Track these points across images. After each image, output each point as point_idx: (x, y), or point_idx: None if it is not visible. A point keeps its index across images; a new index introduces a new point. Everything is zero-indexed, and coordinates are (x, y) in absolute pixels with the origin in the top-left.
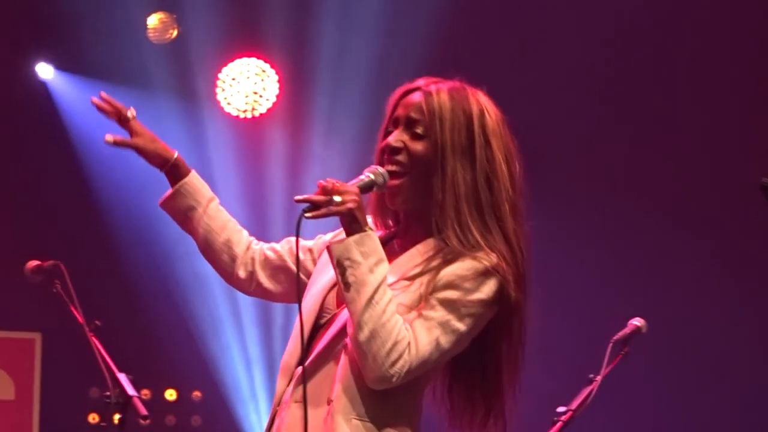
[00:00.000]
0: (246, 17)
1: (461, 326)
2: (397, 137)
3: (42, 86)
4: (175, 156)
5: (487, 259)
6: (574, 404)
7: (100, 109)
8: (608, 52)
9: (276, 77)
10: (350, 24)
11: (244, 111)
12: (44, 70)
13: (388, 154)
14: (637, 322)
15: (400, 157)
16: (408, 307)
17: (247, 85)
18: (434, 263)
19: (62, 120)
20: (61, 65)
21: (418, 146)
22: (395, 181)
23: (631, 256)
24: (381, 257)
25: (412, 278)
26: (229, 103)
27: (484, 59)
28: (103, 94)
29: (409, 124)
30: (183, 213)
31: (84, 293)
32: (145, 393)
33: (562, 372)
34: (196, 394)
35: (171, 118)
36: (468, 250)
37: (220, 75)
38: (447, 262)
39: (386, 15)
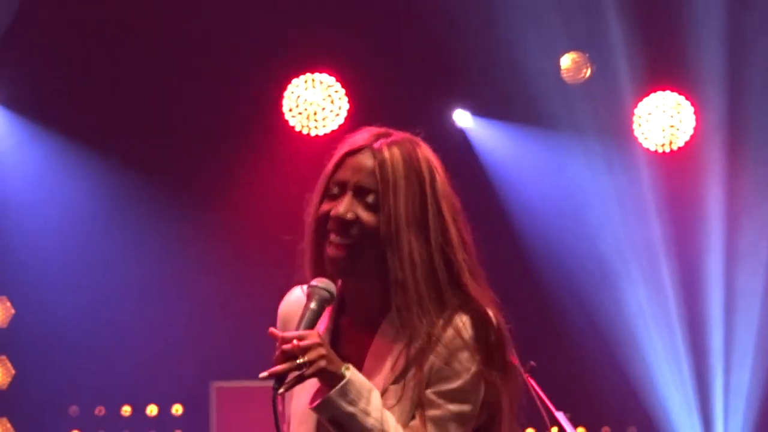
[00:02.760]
0: (658, 51)
1: (471, 408)
2: (348, 208)
3: (460, 134)
4: None
5: (464, 328)
6: None
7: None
8: None
9: (692, 109)
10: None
11: (662, 145)
12: (462, 118)
13: (338, 225)
14: None
15: (353, 230)
16: (409, 413)
17: (664, 119)
18: (412, 355)
19: (483, 167)
20: (477, 111)
21: (370, 219)
22: (343, 256)
23: None
24: (368, 390)
25: (397, 380)
26: (646, 138)
27: None
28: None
29: (359, 193)
30: None
31: (516, 335)
32: (581, 431)
33: None
34: (632, 430)
35: (586, 157)
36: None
37: (635, 110)
38: (422, 351)
39: None
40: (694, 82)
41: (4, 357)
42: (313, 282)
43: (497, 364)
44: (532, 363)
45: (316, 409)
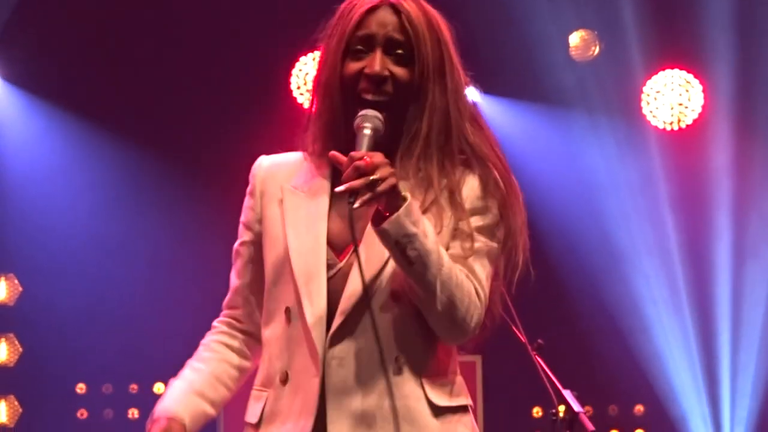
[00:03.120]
0: (666, 29)
1: (499, 245)
2: (381, 64)
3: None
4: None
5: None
6: None
7: None
8: None
9: (701, 87)
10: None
11: (671, 123)
12: (471, 95)
13: (373, 83)
14: None
15: (387, 87)
16: (446, 244)
17: (672, 97)
18: (438, 198)
19: None
20: (486, 89)
21: (403, 73)
22: (384, 115)
23: None
24: (423, 218)
25: (426, 210)
26: (654, 116)
27: None
28: None
29: (389, 47)
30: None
31: (523, 313)
32: (588, 409)
33: None
34: (639, 408)
35: (595, 135)
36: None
37: (644, 88)
38: (451, 185)
39: None
40: (702, 60)
41: (11, 335)
42: (362, 112)
43: (515, 211)
44: (540, 341)
45: (387, 229)
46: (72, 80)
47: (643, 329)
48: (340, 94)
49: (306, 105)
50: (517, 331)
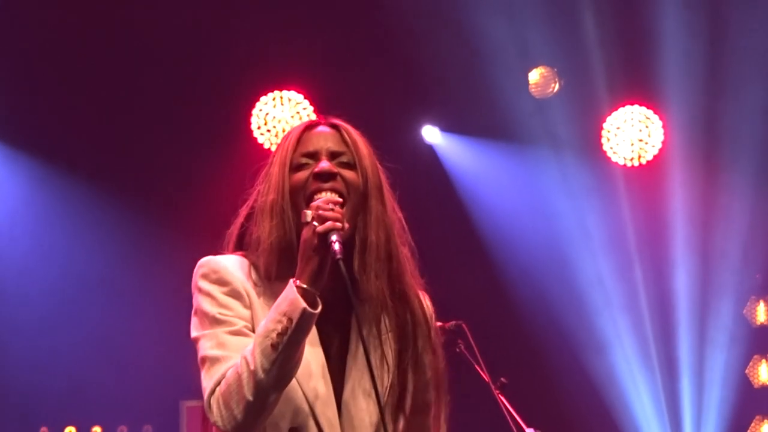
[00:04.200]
0: (626, 66)
1: None
2: (330, 163)
3: (429, 149)
4: None
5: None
6: None
7: None
8: None
9: (660, 123)
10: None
11: (631, 159)
12: (431, 134)
13: (323, 179)
14: None
15: (338, 185)
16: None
17: (633, 133)
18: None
19: (451, 181)
20: (446, 127)
21: (350, 174)
22: (340, 203)
23: None
24: None
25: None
26: (615, 152)
27: None
28: None
29: (333, 156)
30: None
31: (487, 351)
32: None
33: None
34: None
35: (555, 171)
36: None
37: (604, 125)
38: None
39: None
40: (662, 96)
41: None
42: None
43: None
44: (503, 379)
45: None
46: (31, 122)
47: (607, 366)
48: (291, 208)
49: (267, 145)
50: (480, 370)
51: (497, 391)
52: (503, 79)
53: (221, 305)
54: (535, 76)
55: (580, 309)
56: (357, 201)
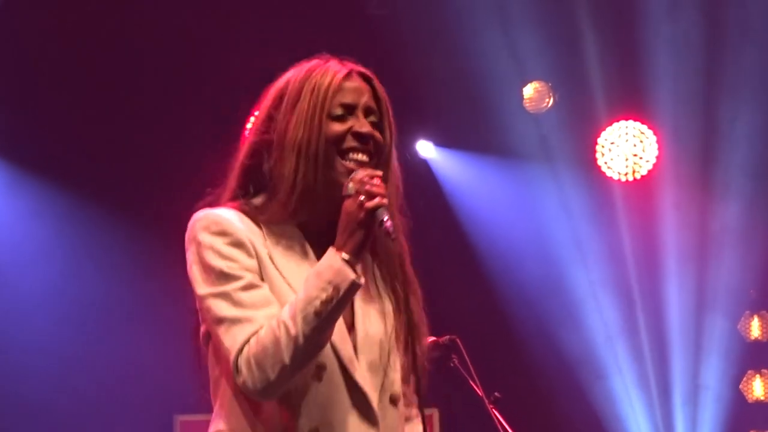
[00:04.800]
0: (620, 81)
1: None
2: (366, 125)
3: (424, 164)
4: None
5: None
6: None
7: None
8: None
9: (654, 138)
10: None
11: (625, 174)
12: (425, 148)
13: (361, 142)
14: None
15: (369, 147)
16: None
17: (627, 148)
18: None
19: (445, 197)
20: (440, 141)
21: (380, 137)
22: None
23: None
24: None
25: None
26: (609, 167)
27: None
28: None
29: (367, 113)
30: None
31: (481, 366)
32: None
33: None
34: None
35: (550, 185)
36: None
37: (599, 140)
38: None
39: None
40: (656, 111)
41: None
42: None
43: None
44: (497, 394)
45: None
46: (19, 130)
47: (601, 382)
48: (323, 154)
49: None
50: (474, 385)
51: (491, 406)
52: (498, 94)
53: (226, 257)
54: (529, 90)
55: (574, 324)
56: (379, 160)
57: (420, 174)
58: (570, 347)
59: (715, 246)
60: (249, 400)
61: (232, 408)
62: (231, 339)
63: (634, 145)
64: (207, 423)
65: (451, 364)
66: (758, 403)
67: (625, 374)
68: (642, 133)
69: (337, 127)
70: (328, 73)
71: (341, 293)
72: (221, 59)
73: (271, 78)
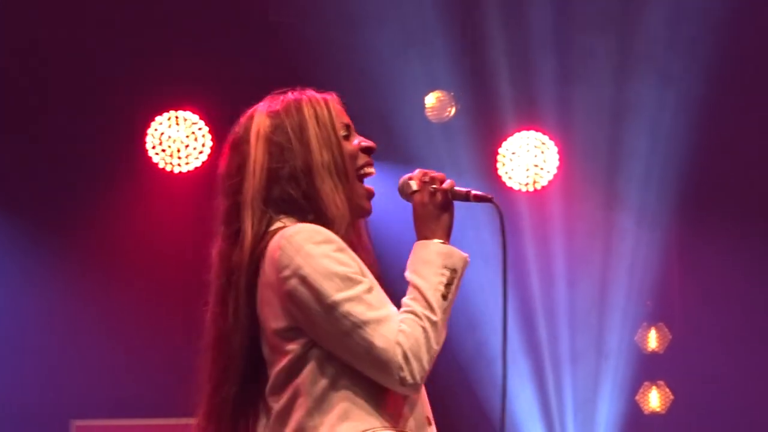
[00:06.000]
0: (522, 91)
1: None
2: (365, 139)
3: None
4: None
5: None
6: None
7: None
8: None
9: (556, 149)
10: (629, 92)
11: (526, 184)
12: None
13: (369, 155)
14: None
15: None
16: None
17: (528, 159)
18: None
19: None
20: None
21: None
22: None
23: None
24: None
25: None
26: (510, 177)
27: None
28: None
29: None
30: None
31: None
32: None
33: None
34: None
35: None
36: None
37: (500, 150)
38: None
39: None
40: (557, 121)
41: None
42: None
43: None
44: None
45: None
46: None
47: (492, 382)
48: (350, 170)
49: (162, 165)
50: None
51: None
52: (400, 103)
53: (342, 263)
54: (431, 99)
55: (474, 331)
56: None
57: None
58: (466, 351)
59: (613, 257)
60: (372, 399)
61: (352, 412)
62: (383, 339)
63: (535, 156)
64: (104, 428)
65: None
66: (654, 415)
67: (524, 387)
68: (543, 143)
69: (350, 146)
70: (326, 98)
71: (459, 272)
72: (120, 63)
73: (174, 83)
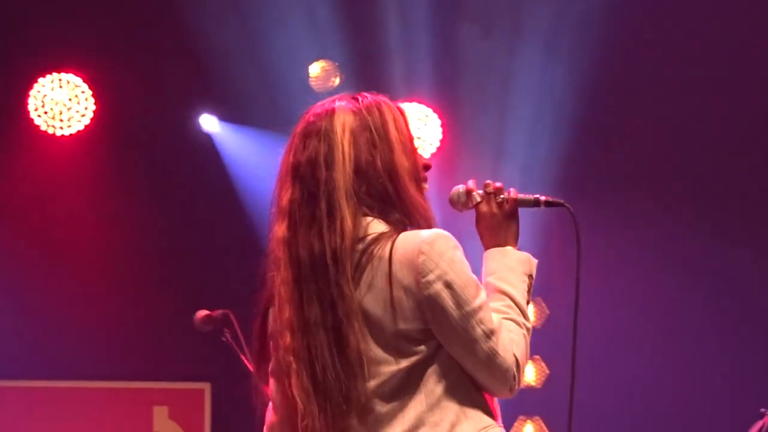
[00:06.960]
0: (407, 63)
1: None
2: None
3: (207, 138)
4: None
5: None
6: None
7: None
8: None
9: (439, 122)
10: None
11: None
12: (209, 122)
13: (427, 172)
14: None
15: None
16: None
17: (417, 129)
18: None
19: (227, 171)
20: (224, 116)
21: None
22: None
23: None
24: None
25: None
26: None
27: None
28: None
29: None
30: None
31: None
32: None
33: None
34: None
35: None
36: None
37: None
38: None
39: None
40: (440, 94)
41: None
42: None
43: None
44: None
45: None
46: None
47: None
48: (420, 181)
49: (44, 127)
50: (244, 359)
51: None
52: (285, 71)
53: (470, 270)
54: (316, 69)
55: None
56: None
57: (203, 148)
58: None
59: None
60: (481, 399)
61: (469, 411)
62: (504, 349)
63: (418, 128)
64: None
65: (224, 339)
66: (530, 390)
67: None
68: (427, 116)
69: (420, 157)
70: (396, 107)
71: (533, 278)
72: (6, 27)
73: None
